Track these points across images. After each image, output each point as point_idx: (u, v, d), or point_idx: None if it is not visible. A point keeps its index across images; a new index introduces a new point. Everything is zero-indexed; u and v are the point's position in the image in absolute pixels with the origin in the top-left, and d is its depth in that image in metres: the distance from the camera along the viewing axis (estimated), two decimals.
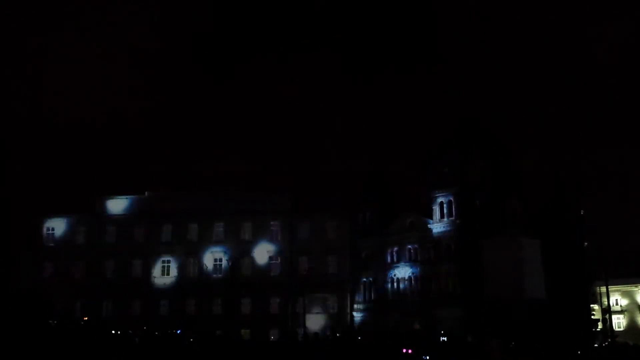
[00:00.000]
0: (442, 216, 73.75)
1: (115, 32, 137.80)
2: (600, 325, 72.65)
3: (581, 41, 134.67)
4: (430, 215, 75.40)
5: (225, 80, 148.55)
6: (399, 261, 77.11)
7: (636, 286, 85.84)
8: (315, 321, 73.10)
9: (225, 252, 79.73)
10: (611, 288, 67.95)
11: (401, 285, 76.41)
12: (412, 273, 75.49)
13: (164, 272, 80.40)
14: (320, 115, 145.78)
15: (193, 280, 79.53)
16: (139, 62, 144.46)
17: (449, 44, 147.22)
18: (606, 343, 55.17)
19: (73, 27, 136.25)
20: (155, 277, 79.91)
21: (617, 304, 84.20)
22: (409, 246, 76.65)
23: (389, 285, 77.02)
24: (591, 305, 74.91)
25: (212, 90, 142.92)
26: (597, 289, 73.62)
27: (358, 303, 78.10)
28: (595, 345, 56.67)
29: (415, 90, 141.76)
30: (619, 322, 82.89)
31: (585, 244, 74.00)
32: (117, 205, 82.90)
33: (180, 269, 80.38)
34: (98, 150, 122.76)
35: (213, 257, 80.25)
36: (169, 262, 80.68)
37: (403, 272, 76.45)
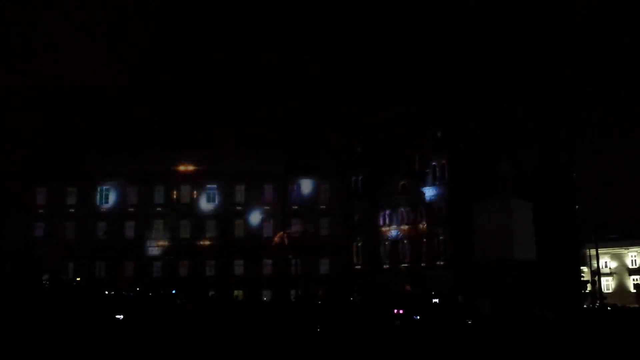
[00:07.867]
0: (434, 180, 73.79)
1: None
2: (589, 287, 73.67)
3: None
4: (422, 179, 75.45)
5: (207, 43, 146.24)
6: (391, 224, 77.48)
7: (626, 249, 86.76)
8: (308, 283, 73.55)
9: (217, 214, 79.95)
10: (601, 251, 68.58)
11: (393, 248, 76.92)
12: (404, 236, 75.88)
13: (157, 234, 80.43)
14: (310, 79, 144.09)
15: (186, 242, 79.71)
16: (120, 27, 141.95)
17: (434, 9, 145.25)
18: (595, 305, 55.90)
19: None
20: (147, 239, 79.93)
21: (606, 266, 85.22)
22: (401, 209, 76.95)
23: (381, 248, 77.53)
24: (581, 268, 75.75)
25: (194, 54, 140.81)
26: (587, 251, 74.31)
27: (350, 265, 78.57)
28: (584, 306, 57.52)
29: (404, 56, 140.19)
30: (607, 284, 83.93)
31: (577, 206, 74.42)
32: (109, 167, 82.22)
33: (173, 230, 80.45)
34: (89, 114, 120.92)
35: (206, 219, 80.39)
36: (161, 224, 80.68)
37: (395, 235, 76.89)
